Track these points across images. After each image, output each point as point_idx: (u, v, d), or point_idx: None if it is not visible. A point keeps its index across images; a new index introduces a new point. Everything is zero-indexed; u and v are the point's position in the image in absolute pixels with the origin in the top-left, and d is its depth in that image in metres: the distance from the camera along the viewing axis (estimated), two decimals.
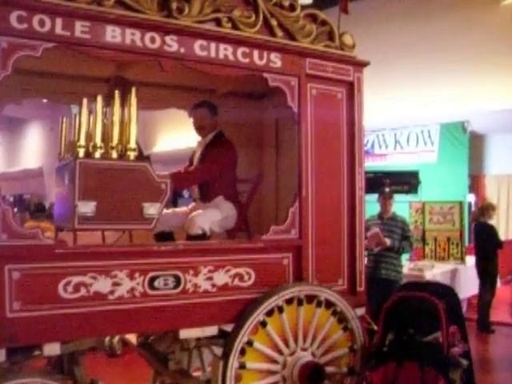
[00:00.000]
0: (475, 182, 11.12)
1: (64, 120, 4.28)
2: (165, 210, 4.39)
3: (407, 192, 8.92)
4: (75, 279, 3.24)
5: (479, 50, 9.70)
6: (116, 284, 3.35)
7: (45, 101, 5.94)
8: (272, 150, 5.06)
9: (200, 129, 4.41)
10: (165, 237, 4.26)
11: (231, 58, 3.70)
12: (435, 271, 7.10)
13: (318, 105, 4.03)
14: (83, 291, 3.26)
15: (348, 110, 4.18)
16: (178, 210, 4.48)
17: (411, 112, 10.52)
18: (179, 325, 3.54)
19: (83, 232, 3.84)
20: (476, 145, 10.95)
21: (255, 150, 5.14)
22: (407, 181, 9.15)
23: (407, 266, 6.87)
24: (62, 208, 3.85)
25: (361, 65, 4.21)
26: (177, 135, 13.33)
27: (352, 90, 4.18)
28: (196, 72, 4.32)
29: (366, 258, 5.06)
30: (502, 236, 8.90)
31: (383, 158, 11.22)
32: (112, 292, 3.34)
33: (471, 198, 10.92)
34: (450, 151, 10.41)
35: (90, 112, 3.70)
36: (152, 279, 3.44)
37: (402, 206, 7.37)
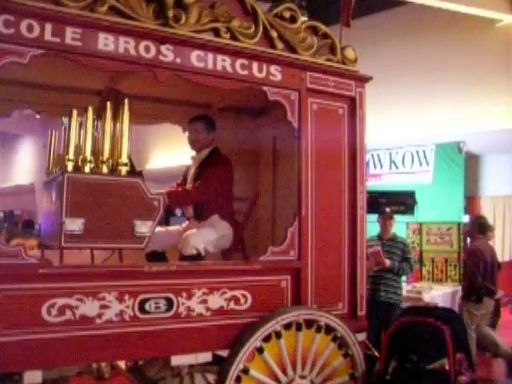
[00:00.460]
0: (470, 203, 10.94)
1: (53, 133, 4.07)
2: (157, 229, 4.20)
3: (403, 212, 8.68)
4: (60, 301, 3.01)
5: (474, 70, 9.61)
6: (104, 307, 3.11)
7: (38, 116, 5.77)
8: (269, 168, 4.85)
9: (194, 143, 4.20)
10: (157, 256, 4.03)
11: (229, 69, 3.51)
12: (434, 293, 6.87)
13: (319, 120, 3.84)
14: (69, 314, 3.03)
15: (349, 126, 3.99)
16: (171, 228, 4.25)
17: (406, 132, 10.39)
18: (171, 351, 3.30)
19: (71, 251, 3.63)
20: (471, 165, 10.80)
21: (252, 167, 4.94)
22: (403, 201, 8.92)
23: (405, 288, 6.63)
24: (49, 225, 3.63)
25: (363, 80, 4.03)
26: (171, 152, 13.11)
27: (354, 106, 3.99)
28: (191, 86, 4.15)
29: None
30: (499, 257, 8.69)
31: (378, 178, 11.04)
32: (100, 315, 3.10)
33: (466, 219, 10.74)
34: (445, 172, 10.25)
35: (81, 125, 3.50)
36: (142, 302, 3.21)
37: (398, 226, 7.15)
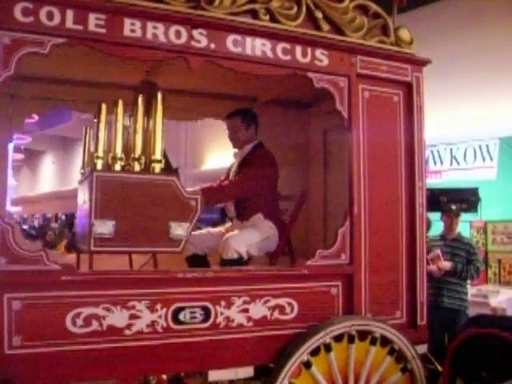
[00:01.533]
0: None
1: (88, 131, 3.78)
2: (199, 231, 3.86)
3: (466, 210, 8.01)
4: (86, 311, 2.70)
5: None
6: (134, 317, 2.78)
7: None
8: (320, 163, 4.43)
9: (234, 141, 3.83)
10: (198, 260, 3.68)
11: (270, 54, 3.11)
12: (501, 297, 6.21)
13: (371, 109, 3.39)
14: (95, 325, 2.71)
15: (406, 114, 3.51)
16: (213, 230, 3.88)
17: (468, 126, 9.66)
18: (208, 365, 2.93)
19: (108, 255, 3.33)
20: None
21: (301, 163, 4.51)
22: (466, 198, 8.24)
23: (468, 291, 6.00)
24: (82, 227, 3.34)
25: (420, 63, 3.54)
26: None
27: (410, 92, 3.51)
28: (234, 78, 3.80)
29: None
30: None
31: (438, 175, 10.33)
32: (129, 326, 2.77)
33: None
34: (510, 167, 9.46)
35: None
36: (176, 311, 2.86)
37: (462, 225, 6.54)
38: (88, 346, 2.69)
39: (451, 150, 10.22)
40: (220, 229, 3.86)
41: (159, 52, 2.90)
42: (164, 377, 3.88)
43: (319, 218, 4.38)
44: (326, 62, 3.24)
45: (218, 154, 13.84)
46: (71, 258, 3.67)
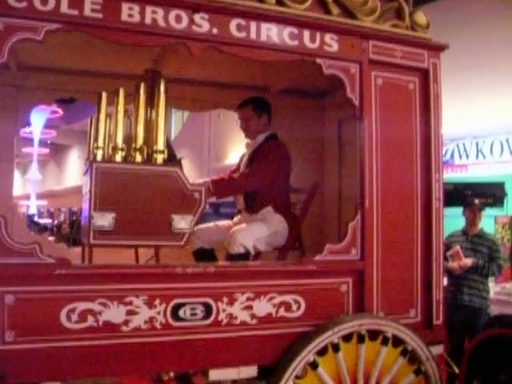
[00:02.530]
0: None
1: (93, 121, 3.68)
2: (207, 224, 3.73)
3: (492, 205, 7.72)
4: (81, 306, 2.59)
5: None
6: (131, 313, 2.66)
7: None
8: (335, 155, 4.25)
9: (246, 131, 3.68)
10: (205, 255, 3.55)
11: (276, 40, 2.94)
12: None
13: (385, 97, 3.20)
14: (91, 320, 2.60)
15: (422, 103, 3.30)
16: (220, 223, 3.74)
17: (494, 118, 9.33)
18: (209, 364, 2.79)
19: (114, 249, 3.23)
20: None
21: (315, 155, 4.35)
22: (491, 193, 7.95)
23: (492, 288, 5.74)
24: (84, 220, 3.24)
25: (437, 48, 3.33)
26: None
27: (427, 80, 3.30)
28: (245, 67, 3.67)
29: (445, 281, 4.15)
30: None
31: (464, 169, 10.03)
32: (126, 322, 2.65)
33: None
34: None
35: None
36: (176, 308, 2.73)
37: (486, 220, 6.27)
38: (83, 342, 2.58)
39: (477, 143, 9.91)
40: (228, 222, 3.72)
41: (158, 38, 2.76)
42: (171, 374, 3.78)
43: (333, 212, 4.21)
44: (335, 47, 3.06)
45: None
46: (77, 251, 3.57)
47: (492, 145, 9.84)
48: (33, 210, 17.97)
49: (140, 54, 3.40)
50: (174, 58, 3.48)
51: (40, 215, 20.77)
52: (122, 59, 3.53)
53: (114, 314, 2.63)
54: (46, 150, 18.67)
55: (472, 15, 9.95)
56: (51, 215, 21.25)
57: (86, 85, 3.79)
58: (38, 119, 16.44)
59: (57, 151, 23.05)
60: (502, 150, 9.72)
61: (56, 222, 18.67)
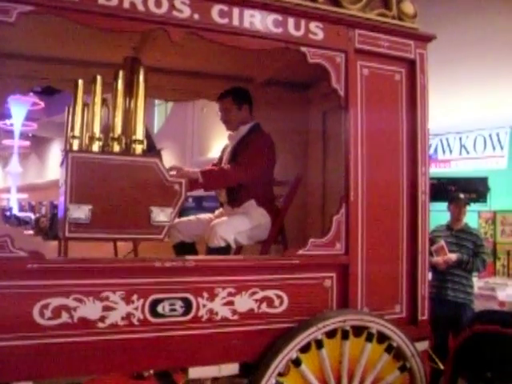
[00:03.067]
0: None
1: (70, 110, 3.55)
2: (188, 217, 3.62)
3: (475, 200, 7.72)
4: (55, 301, 2.47)
5: None
6: (108, 308, 2.55)
7: None
8: (319, 147, 4.17)
9: (227, 123, 3.58)
10: (186, 248, 3.45)
11: (259, 27, 2.84)
12: (510, 291, 5.92)
13: (371, 88, 3.11)
14: (65, 317, 2.48)
15: (409, 94, 3.23)
16: (202, 216, 3.64)
17: (478, 114, 9.31)
18: (189, 361, 2.69)
19: (94, 243, 3.12)
20: None
21: (299, 147, 4.26)
22: (475, 188, 7.95)
23: (475, 283, 5.71)
24: (60, 213, 3.12)
25: (424, 39, 3.26)
26: None
27: (413, 70, 3.23)
28: (228, 56, 3.57)
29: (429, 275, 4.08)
30: None
31: (447, 164, 10.00)
32: (102, 319, 2.54)
33: None
34: None
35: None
36: (154, 303, 2.63)
37: (470, 215, 6.25)
38: (58, 339, 2.47)
39: (460, 138, 9.89)
40: (210, 215, 3.61)
41: (137, 23, 2.64)
42: (151, 371, 3.67)
43: (318, 206, 4.13)
44: (320, 35, 2.96)
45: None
46: (54, 245, 3.45)
47: (475, 140, 9.83)
48: (13, 204, 17.66)
49: (119, 41, 3.29)
50: (155, 46, 3.37)
51: (21, 209, 20.46)
52: (102, 47, 3.40)
53: (90, 309, 2.52)
54: (27, 143, 18.34)
55: (456, 9, 9.91)
56: (32, 209, 20.95)
57: (63, 73, 3.65)
58: (19, 111, 16.15)
59: (38, 144, 22.66)
60: (485, 146, 9.72)
61: (37, 215, 18.41)
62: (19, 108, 15.77)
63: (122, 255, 3.44)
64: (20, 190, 18.17)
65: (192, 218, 3.56)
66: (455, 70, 9.17)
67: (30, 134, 18.55)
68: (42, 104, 15.60)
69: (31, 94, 15.11)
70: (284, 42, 2.90)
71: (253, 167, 3.28)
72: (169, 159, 16.03)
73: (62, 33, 3.10)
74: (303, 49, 2.93)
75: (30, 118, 16.64)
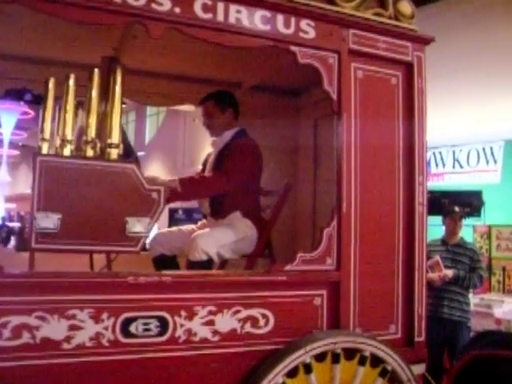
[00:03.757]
0: None
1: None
2: (168, 229, 3.38)
3: (469, 215, 7.52)
4: (15, 320, 2.20)
5: None
6: (74, 328, 2.28)
7: None
8: (309, 156, 3.95)
9: (210, 128, 3.36)
10: (166, 262, 3.20)
11: (246, 23, 2.61)
12: (506, 307, 5.69)
13: (365, 91, 2.89)
14: (26, 337, 2.22)
15: (406, 99, 3.00)
16: (184, 227, 3.38)
17: (471, 127, 9.15)
18: None
19: (68, 255, 2.87)
20: None
21: (288, 156, 4.04)
22: (469, 202, 7.75)
23: (471, 300, 5.48)
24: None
25: (422, 41, 3.05)
26: None
27: (411, 74, 3.01)
28: (215, 60, 3.36)
29: None
30: None
31: (440, 178, 9.82)
32: (68, 339, 2.27)
33: None
34: None
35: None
36: (127, 322, 2.36)
37: (465, 230, 6.03)
38: (18, 362, 2.19)
39: (454, 152, 9.72)
40: (192, 226, 3.37)
41: (112, 15, 2.41)
42: None
43: (308, 218, 3.90)
44: (312, 34, 2.74)
45: None
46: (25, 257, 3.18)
47: (469, 154, 9.67)
48: (1, 213, 17.33)
49: (99, 40, 3.08)
50: (135, 46, 3.15)
51: (10, 219, 20.09)
52: (80, 46, 3.19)
53: (54, 329, 2.25)
54: (16, 152, 18.04)
55: (448, 22, 9.79)
56: (21, 219, 20.59)
57: (39, 74, 3.40)
58: (9, 120, 15.86)
59: (28, 153, 22.35)
60: (478, 159, 9.55)
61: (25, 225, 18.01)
62: (9, 117, 15.49)
63: (99, 268, 3.18)
64: (8, 199, 17.85)
65: (174, 229, 3.32)
66: (448, 83, 9.03)
67: (20, 144, 18.26)
68: (33, 113, 15.33)
69: (22, 103, 14.86)
70: (272, 40, 2.67)
71: (236, 175, 3.04)
72: (160, 170, 15.80)
73: (35, 31, 2.89)
74: (293, 48, 2.70)
75: (19, 127, 16.37)
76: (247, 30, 2.61)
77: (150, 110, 17.31)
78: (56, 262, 2.79)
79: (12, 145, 16.89)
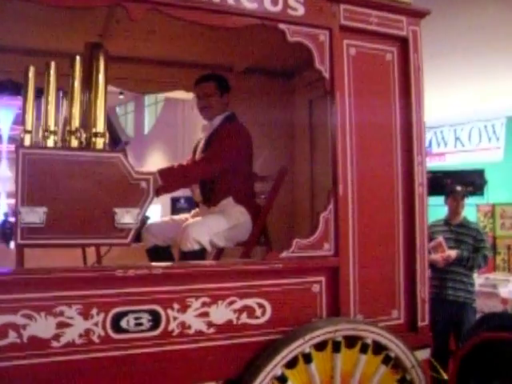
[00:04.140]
0: None
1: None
2: (162, 218, 3.27)
3: (472, 194, 7.40)
4: (0, 319, 2.11)
5: None
6: (63, 325, 2.19)
7: None
8: (305, 139, 3.82)
9: (205, 110, 3.22)
10: (160, 253, 3.10)
11: (230, 1, 2.49)
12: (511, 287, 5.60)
13: (359, 69, 2.77)
14: (13, 336, 2.13)
15: (401, 76, 2.88)
16: (176, 217, 3.28)
17: (473, 105, 8.99)
18: (159, 382, 2.34)
19: (59, 249, 2.78)
20: None
21: (284, 140, 3.91)
22: (471, 181, 7.63)
23: (476, 280, 5.37)
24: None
25: (417, 14, 2.91)
26: None
27: (406, 49, 2.88)
28: (205, 43, 3.24)
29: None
30: None
31: (442, 158, 9.74)
32: (57, 337, 2.19)
33: None
34: None
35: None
36: (117, 317, 2.27)
37: (468, 209, 5.92)
38: (5, 362, 2.11)
39: (455, 130, 9.60)
40: (186, 215, 3.26)
41: None
42: None
43: (306, 203, 3.78)
44: (301, 11, 2.61)
45: None
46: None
47: (470, 132, 9.54)
48: (3, 209, 17.24)
49: (84, 27, 2.96)
50: (120, 31, 3.04)
51: (13, 214, 19.93)
52: (66, 35, 3.07)
53: (42, 327, 2.16)
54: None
55: (449, 1, 9.61)
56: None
57: (21, 64, 3.29)
58: (7, 115, 15.73)
59: None
60: (480, 138, 9.42)
61: None
62: (7, 112, 15.35)
63: (92, 262, 3.09)
64: (11, 195, 17.76)
65: (166, 219, 3.22)
66: (448, 61, 8.88)
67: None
68: None
69: (19, 97, 14.68)
70: (259, 18, 2.54)
71: (220, 160, 2.92)
72: (160, 161, 15.68)
73: (18, 18, 2.77)
74: (282, 26, 2.58)
75: (18, 121, 16.18)
76: (232, 9, 2.49)
77: (148, 99, 17.16)
78: (48, 258, 2.70)
79: (11, 140, 16.79)
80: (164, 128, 15.80)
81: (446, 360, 3.99)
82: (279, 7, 2.57)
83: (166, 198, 15.43)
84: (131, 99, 17.45)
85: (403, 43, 2.88)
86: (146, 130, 17.77)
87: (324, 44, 2.67)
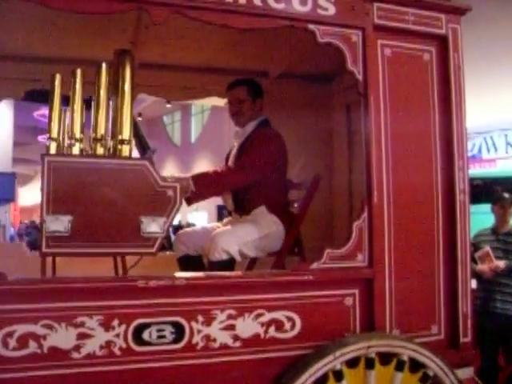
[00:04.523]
0: None
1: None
2: (193, 227, 3.19)
3: None
4: (21, 329, 2.07)
5: None
6: (84, 336, 2.13)
7: None
8: (343, 145, 3.68)
9: (237, 116, 3.12)
10: (191, 262, 3.00)
11: (257, 2, 2.38)
12: None
13: (395, 70, 2.62)
14: (33, 347, 2.08)
15: (440, 77, 2.70)
16: (209, 225, 3.18)
17: None
18: None
19: (87, 259, 2.73)
20: None
21: (322, 146, 3.78)
22: None
23: None
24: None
25: (457, 11, 2.73)
26: None
27: (445, 49, 2.70)
28: (240, 49, 3.15)
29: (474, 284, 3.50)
30: None
31: (493, 164, 9.32)
32: (77, 348, 2.12)
33: None
34: None
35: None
36: (139, 329, 2.19)
37: None
38: (25, 373, 2.06)
39: (506, 135, 9.19)
40: (217, 224, 3.17)
41: (112, 3, 2.23)
42: None
43: (344, 211, 3.63)
44: (332, 10, 2.48)
45: None
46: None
47: None
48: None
49: (115, 35, 2.94)
50: (150, 37, 2.99)
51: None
52: (97, 43, 3.05)
53: (62, 338, 2.10)
54: None
55: (496, 4, 9.26)
56: None
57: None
58: None
59: None
60: None
61: None
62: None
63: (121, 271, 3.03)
64: None
65: (198, 227, 3.13)
66: (496, 64, 8.55)
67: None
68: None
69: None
70: (288, 19, 2.43)
71: (255, 168, 2.81)
72: (207, 167, 15.78)
73: (51, 29, 2.78)
74: (311, 27, 2.45)
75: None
76: (260, 9, 2.38)
77: (194, 108, 17.29)
78: (78, 268, 2.66)
79: None
80: (210, 136, 15.88)
81: (494, 377, 3.74)
82: (308, 7, 2.45)
83: (212, 206, 15.45)
84: (178, 108, 17.63)
85: (442, 42, 2.71)
86: (193, 139, 17.91)
87: (357, 44, 2.53)
